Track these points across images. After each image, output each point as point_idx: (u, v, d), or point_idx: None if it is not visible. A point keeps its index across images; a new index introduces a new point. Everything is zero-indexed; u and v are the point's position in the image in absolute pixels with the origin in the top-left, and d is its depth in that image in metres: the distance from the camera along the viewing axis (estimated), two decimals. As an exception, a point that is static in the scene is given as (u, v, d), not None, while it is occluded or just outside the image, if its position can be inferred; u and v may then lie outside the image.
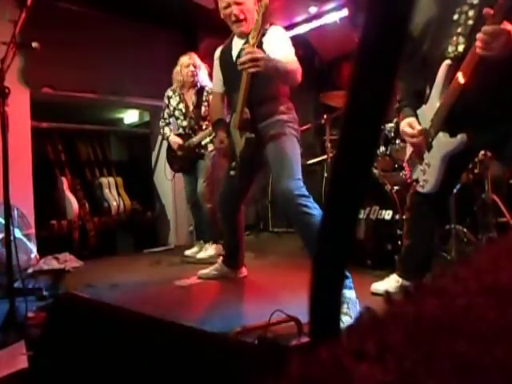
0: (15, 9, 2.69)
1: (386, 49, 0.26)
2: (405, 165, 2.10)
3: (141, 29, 4.29)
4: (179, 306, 2.23)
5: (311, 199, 2.07)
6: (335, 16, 4.57)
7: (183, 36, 4.62)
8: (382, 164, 3.18)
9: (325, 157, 3.97)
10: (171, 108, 3.64)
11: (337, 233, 0.29)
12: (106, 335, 0.82)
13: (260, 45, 2.11)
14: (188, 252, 3.76)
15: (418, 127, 1.85)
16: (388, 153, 3.14)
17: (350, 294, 1.88)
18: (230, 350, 0.74)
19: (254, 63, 1.92)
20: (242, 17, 2.23)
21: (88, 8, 3.95)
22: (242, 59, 1.96)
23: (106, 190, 4.49)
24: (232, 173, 2.38)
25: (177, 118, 3.64)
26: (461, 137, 1.72)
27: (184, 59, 3.55)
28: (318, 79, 5.22)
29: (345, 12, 4.46)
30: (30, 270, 2.92)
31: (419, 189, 1.94)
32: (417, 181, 1.96)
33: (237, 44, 2.33)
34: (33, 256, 3.18)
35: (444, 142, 1.77)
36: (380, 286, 2.11)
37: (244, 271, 2.77)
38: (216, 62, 2.50)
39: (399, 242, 2.52)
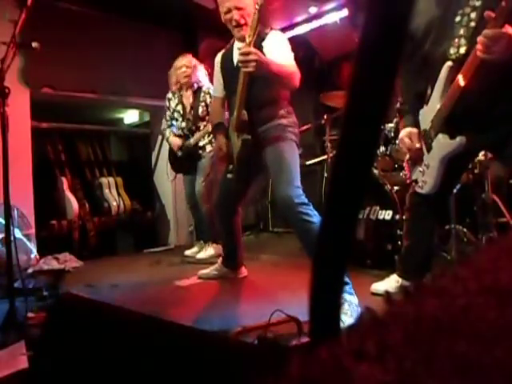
0: (15, 9, 2.70)
1: (386, 49, 0.26)
2: (405, 165, 2.10)
3: (141, 29, 4.30)
4: (179, 306, 2.24)
5: (311, 207, 2.08)
6: (335, 16, 4.57)
7: (183, 36, 4.62)
8: (382, 164, 3.18)
9: (325, 157, 3.97)
10: (171, 110, 3.66)
11: (337, 233, 0.30)
12: (106, 335, 0.82)
13: (260, 49, 2.11)
14: (188, 252, 3.76)
15: (418, 145, 1.85)
16: (388, 153, 3.14)
17: (350, 298, 1.87)
18: (230, 350, 0.74)
19: (247, 58, 1.93)
20: (242, 22, 2.24)
21: (88, 8, 3.95)
22: (239, 58, 1.98)
23: (106, 190, 4.49)
24: (229, 175, 2.39)
25: (176, 120, 3.66)
26: (460, 139, 1.71)
27: (177, 61, 3.57)
28: (318, 79, 5.22)
29: (345, 12, 4.46)
30: (30, 270, 2.91)
31: (418, 189, 1.94)
32: (416, 181, 1.96)
33: (237, 48, 2.34)
34: (33, 256, 3.18)
35: (443, 144, 1.77)
36: (380, 286, 2.11)
37: (244, 271, 2.78)
38: (217, 67, 2.51)
39: (399, 242, 2.52)
